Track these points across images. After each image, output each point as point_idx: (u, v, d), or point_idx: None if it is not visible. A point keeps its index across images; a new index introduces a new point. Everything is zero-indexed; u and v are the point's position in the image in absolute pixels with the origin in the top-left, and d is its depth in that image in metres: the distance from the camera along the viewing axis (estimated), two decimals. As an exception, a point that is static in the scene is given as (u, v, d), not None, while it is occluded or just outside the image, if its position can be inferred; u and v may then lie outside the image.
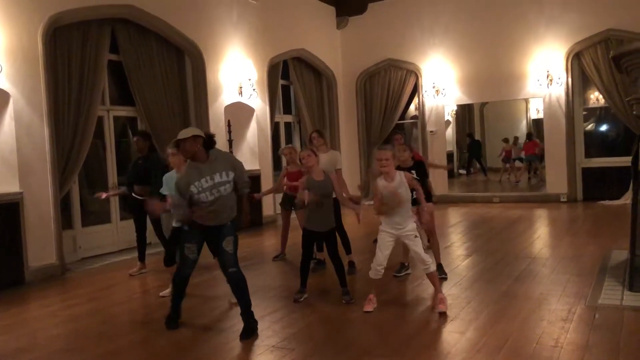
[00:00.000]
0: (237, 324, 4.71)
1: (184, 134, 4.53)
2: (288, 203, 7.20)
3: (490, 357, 3.90)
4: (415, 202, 5.21)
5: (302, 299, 5.49)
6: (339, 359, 4.06)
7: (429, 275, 5.07)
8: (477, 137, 18.36)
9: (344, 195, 5.98)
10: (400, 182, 4.93)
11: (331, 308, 5.29)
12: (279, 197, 7.80)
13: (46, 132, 7.18)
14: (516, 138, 17.25)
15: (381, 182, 4.96)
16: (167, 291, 5.70)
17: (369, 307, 5.05)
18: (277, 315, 5.14)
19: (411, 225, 4.99)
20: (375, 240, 5.27)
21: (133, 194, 6.95)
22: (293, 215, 7.23)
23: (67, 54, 7.66)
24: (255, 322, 4.68)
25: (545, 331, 4.34)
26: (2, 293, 6.37)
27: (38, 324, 5.28)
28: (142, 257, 7.20)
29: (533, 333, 4.34)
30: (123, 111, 9.00)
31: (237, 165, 4.73)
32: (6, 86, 6.77)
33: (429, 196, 5.85)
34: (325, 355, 4.14)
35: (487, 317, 4.77)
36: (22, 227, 6.87)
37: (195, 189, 4.47)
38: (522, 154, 16.19)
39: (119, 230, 8.79)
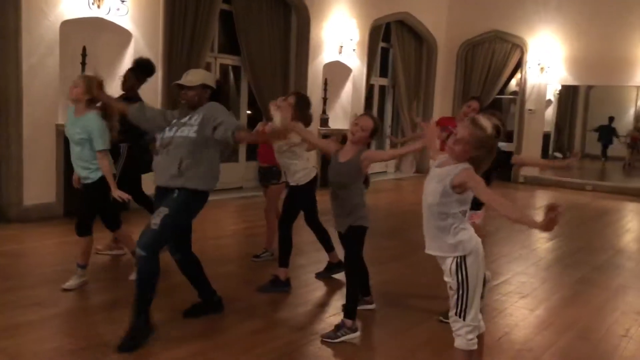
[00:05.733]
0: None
1: (192, 80, 3.56)
2: (264, 177, 5.49)
3: (557, 336, 4.00)
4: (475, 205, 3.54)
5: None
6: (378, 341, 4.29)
7: (457, 352, 2.90)
8: (580, 121, 17.54)
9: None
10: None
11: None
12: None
13: (160, 73, 7.73)
14: None
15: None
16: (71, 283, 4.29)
17: None
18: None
19: (447, 263, 2.86)
20: None
21: None
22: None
23: (184, 1, 8.13)
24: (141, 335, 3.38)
25: (618, 321, 4.36)
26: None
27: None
28: None
29: (604, 321, 4.37)
30: (229, 60, 9.45)
31: (219, 115, 3.52)
32: (130, 27, 7.33)
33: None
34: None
35: (559, 300, 4.82)
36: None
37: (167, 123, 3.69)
38: None
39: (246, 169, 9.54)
